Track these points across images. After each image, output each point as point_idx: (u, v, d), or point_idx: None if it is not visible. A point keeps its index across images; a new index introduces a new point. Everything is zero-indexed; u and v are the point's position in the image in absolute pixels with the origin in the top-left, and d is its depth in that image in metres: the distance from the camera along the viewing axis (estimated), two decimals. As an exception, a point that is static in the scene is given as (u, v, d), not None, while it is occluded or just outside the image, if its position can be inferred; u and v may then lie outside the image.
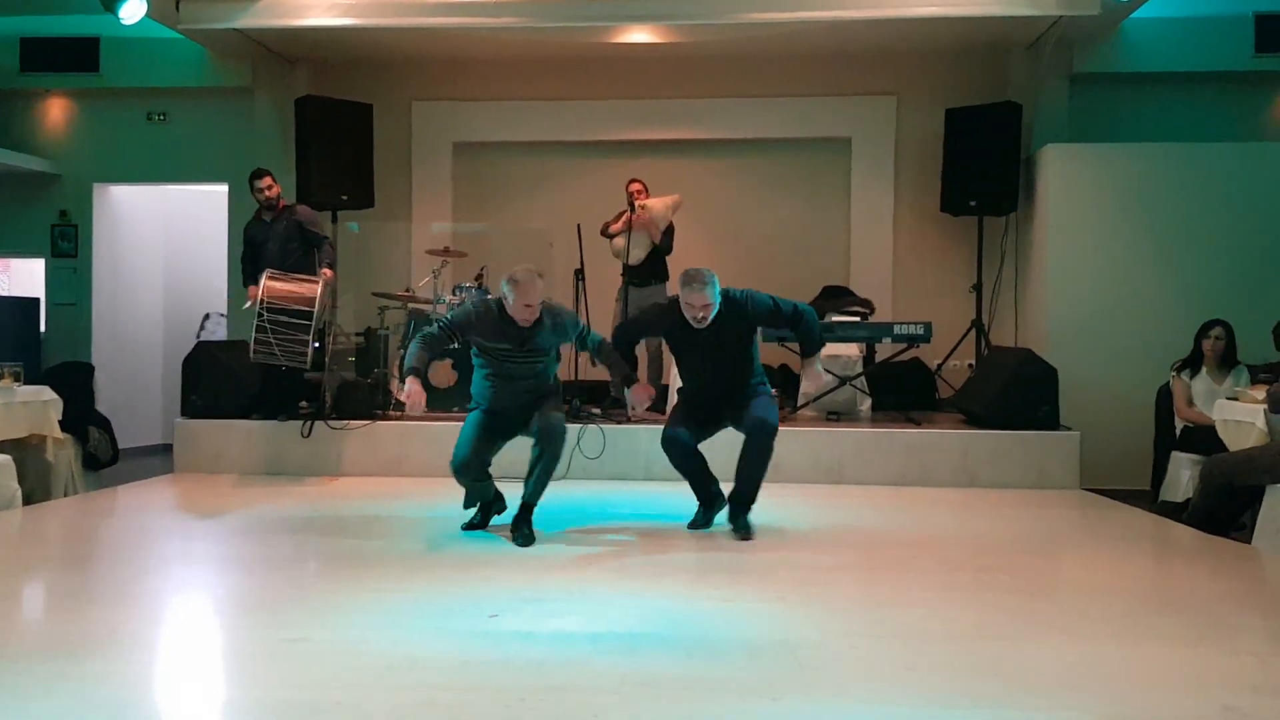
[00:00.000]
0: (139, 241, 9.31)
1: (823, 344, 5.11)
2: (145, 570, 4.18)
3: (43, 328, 8.85)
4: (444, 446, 6.54)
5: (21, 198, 8.93)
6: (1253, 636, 3.41)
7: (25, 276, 9.37)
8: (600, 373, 5.48)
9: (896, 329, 6.96)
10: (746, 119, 8.54)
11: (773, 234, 8.51)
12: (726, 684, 2.74)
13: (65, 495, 5.90)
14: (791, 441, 6.20)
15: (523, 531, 4.54)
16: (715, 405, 4.84)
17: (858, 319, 7.53)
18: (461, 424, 4.74)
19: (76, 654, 2.94)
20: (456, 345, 4.80)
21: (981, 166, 7.79)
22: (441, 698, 2.61)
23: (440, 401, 6.97)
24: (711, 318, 4.60)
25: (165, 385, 9.19)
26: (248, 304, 6.45)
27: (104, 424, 6.61)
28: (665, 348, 5.92)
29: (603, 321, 7.10)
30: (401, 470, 6.58)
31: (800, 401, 4.73)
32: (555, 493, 4.97)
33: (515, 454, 4.83)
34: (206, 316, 8.12)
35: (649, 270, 7.35)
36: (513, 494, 4.74)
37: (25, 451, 5.69)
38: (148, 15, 7.02)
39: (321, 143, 7.93)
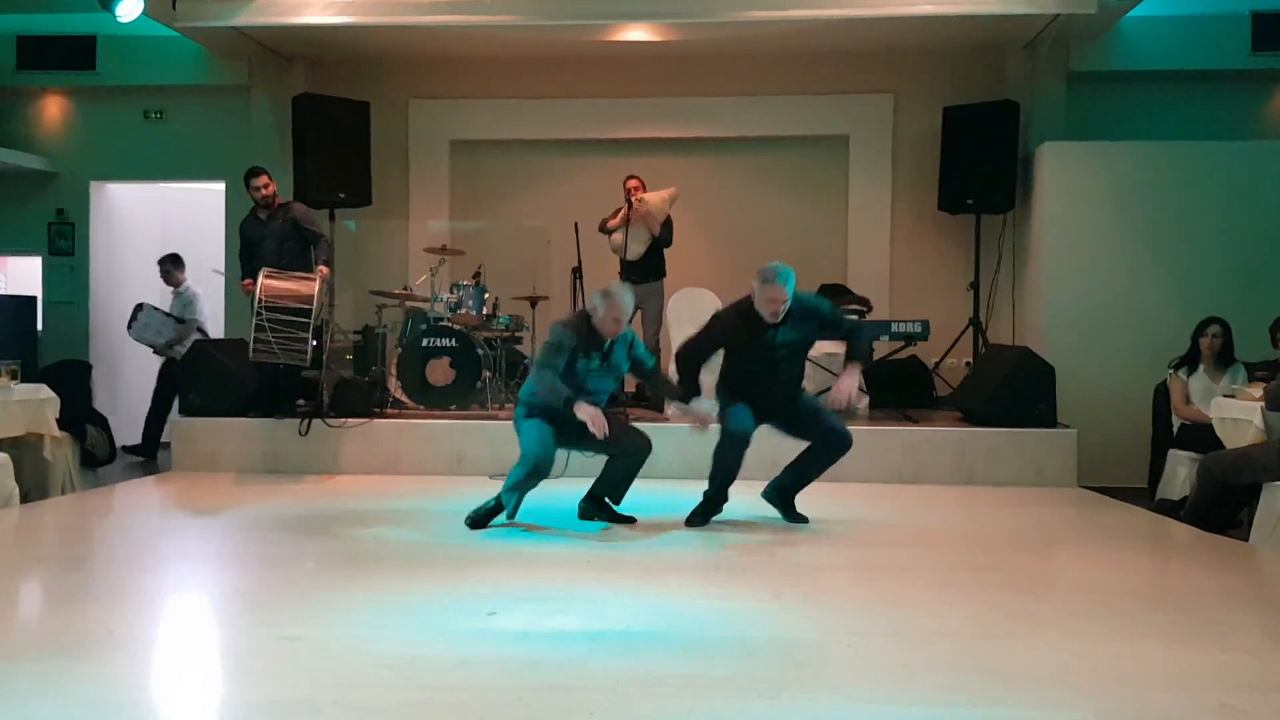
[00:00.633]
0: (136, 240, 9.29)
1: (870, 358, 5.24)
2: (142, 568, 4.17)
3: (40, 326, 8.84)
4: (440, 445, 6.63)
5: (18, 196, 8.92)
6: (1249, 634, 3.41)
7: (21, 275, 9.37)
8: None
9: (894, 327, 6.97)
10: (744, 117, 8.53)
11: (770, 232, 8.50)
12: (723, 683, 2.74)
13: (62, 493, 5.90)
14: (787, 439, 6.19)
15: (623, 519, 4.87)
16: (769, 409, 4.88)
17: (855, 317, 7.53)
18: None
19: (73, 652, 2.94)
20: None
21: (979, 165, 7.78)
22: (438, 696, 2.61)
23: (438, 400, 6.98)
24: (782, 313, 4.67)
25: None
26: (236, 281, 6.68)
27: (101, 422, 6.61)
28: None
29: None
30: (399, 468, 6.57)
31: (830, 405, 4.83)
32: (555, 492, 4.98)
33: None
34: (139, 308, 7.95)
35: (647, 266, 7.36)
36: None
37: (23, 450, 5.68)
38: (144, 13, 7.01)
39: (318, 141, 7.92)
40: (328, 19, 7.35)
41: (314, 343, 6.19)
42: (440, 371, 6.99)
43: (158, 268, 8.22)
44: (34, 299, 8.86)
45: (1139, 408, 6.61)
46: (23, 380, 5.70)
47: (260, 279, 6.16)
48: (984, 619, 3.42)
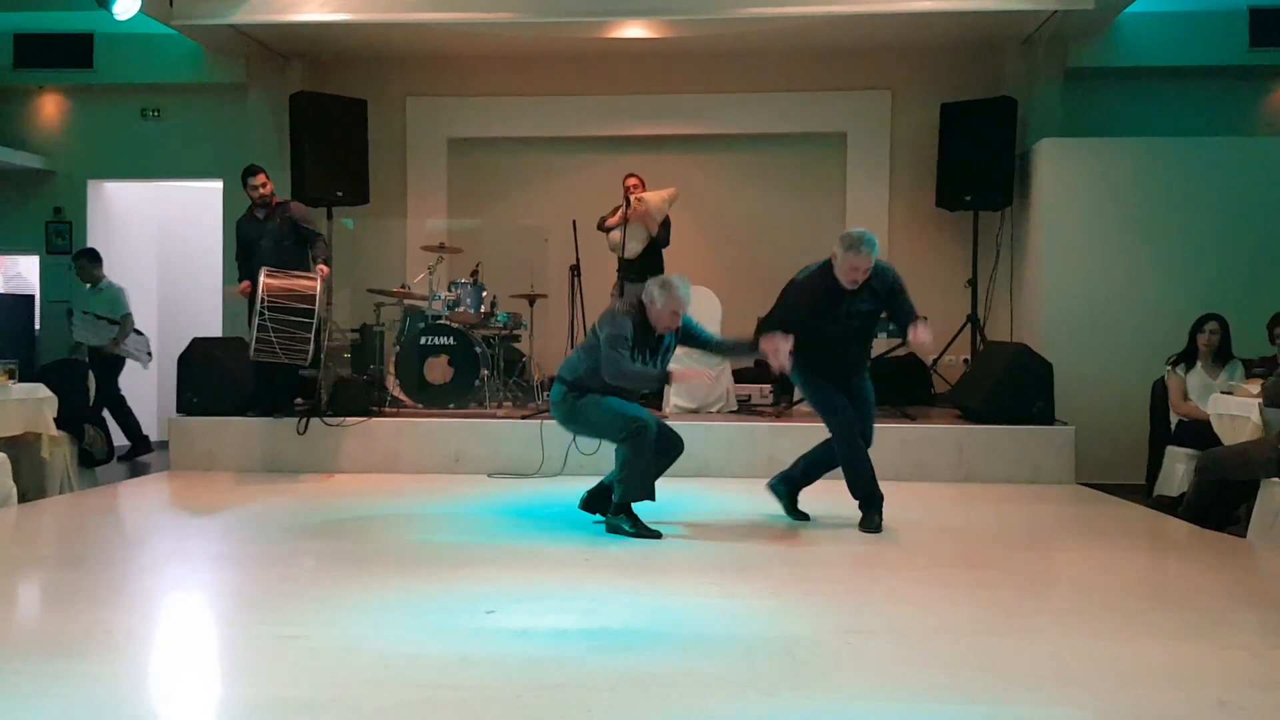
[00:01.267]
0: (133, 238, 9.28)
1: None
2: (141, 568, 4.18)
3: (37, 325, 8.83)
4: (438, 443, 6.62)
5: (16, 195, 8.90)
6: (1247, 631, 3.42)
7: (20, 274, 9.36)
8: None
9: (892, 324, 6.94)
10: (742, 114, 8.52)
11: (768, 229, 8.49)
12: (722, 680, 2.75)
13: (61, 493, 5.89)
14: (784, 436, 6.22)
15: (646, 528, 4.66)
16: (841, 380, 4.76)
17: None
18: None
19: (72, 652, 2.94)
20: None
21: (976, 161, 7.78)
22: (438, 695, 2.61)
23: (436, 398, 6.97)
24: (860, 281, 4.58)
25: (160, 382, 9.16)
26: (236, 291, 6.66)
27: (99, 421, 6.60)
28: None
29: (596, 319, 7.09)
30: (397, 467, 6.57)
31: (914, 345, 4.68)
32: (554, 491, 4.98)
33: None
34: (69, 312, 7.85)
35: (645, 265, 7.34)
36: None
37: (20, 449, 5.67)
38: (141, 11, 6.99)
39: (316, 139, 7.91)
40: (325, 16, 7.34)
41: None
42: (438, 370, 6.98)
43: (72, 264, 8.06)
44: (31, 298, 8.84)
45: (1137, 404, 6.61)
46: (20, 379, 5.69)
47: (261, 278, 6.15)
48: (982, 616, 3.43)
